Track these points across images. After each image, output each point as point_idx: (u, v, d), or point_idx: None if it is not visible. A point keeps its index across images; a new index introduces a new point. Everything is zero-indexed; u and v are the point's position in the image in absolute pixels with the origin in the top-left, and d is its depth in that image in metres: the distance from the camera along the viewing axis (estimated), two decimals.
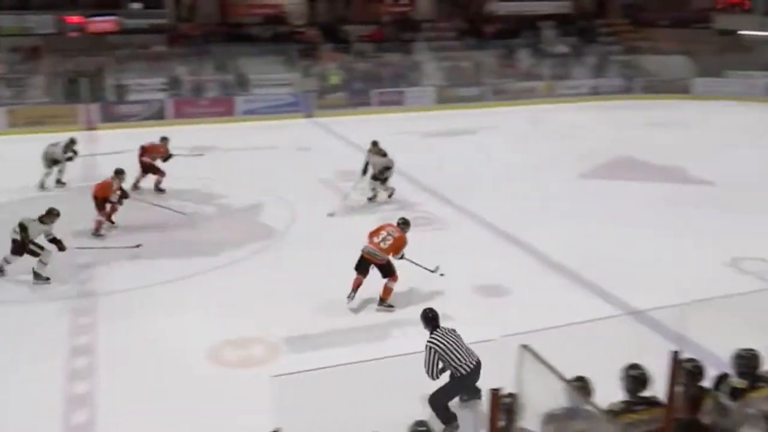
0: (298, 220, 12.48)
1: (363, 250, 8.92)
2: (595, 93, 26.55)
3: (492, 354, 3.64)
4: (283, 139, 19.38)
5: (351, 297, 8.90)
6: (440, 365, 6.13)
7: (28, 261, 9.62)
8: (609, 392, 4.89)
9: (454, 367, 6.07)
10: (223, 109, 22.88)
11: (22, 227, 9.55)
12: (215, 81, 23.90)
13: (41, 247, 9.67)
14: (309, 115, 23.11)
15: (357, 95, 24.31)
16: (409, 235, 9.19)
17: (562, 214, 12.66)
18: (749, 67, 26.82)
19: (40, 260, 9.63)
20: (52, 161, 14.15)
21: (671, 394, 3.78)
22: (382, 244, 8.88)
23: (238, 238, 11.53)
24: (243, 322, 8.49)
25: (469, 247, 11.24)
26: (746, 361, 5.05)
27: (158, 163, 14.05)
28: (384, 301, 8.96)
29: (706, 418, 4.74)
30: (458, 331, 6.35)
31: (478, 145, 18.92)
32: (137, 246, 10.90)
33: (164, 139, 14.41)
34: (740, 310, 6.55)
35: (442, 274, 9.32)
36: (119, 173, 11.88)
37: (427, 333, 6.40)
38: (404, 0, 30.12)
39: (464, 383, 6.15)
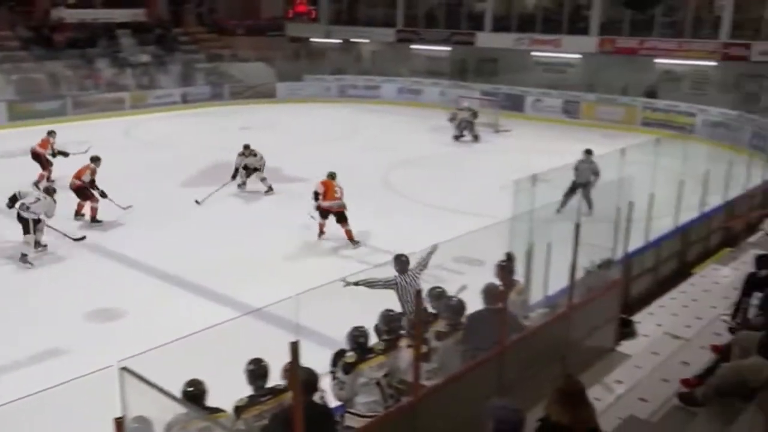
0: None
1: (335, 205, 11.50)
2: (186, 101, 26.50)
3: (111, 382, 3.31)
4: None
5: (321, 237, 11.76)
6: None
7: None
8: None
9: (403, 306, 7.12)
10: None
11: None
12: None
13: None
14: None
15: None
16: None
17: (161, 224, 12.46)
18: (322, 71, 29.50)
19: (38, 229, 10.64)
20: None
21: (294, 380, 3.94)
22: (342, 197, 11.54)
23: None
24: None
25: (74, 271, 10.43)
26: (355, 337, 5.45)
27: None
28: (353, 240, 11.50)
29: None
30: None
31: (68, 163, 17.33)
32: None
33: None
34: (346, 291, 7.11)
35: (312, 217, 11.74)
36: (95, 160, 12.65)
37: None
38: None
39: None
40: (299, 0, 33.72)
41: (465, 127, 20.84)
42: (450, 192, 14.86)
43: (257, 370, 4.97)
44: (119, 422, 3.22)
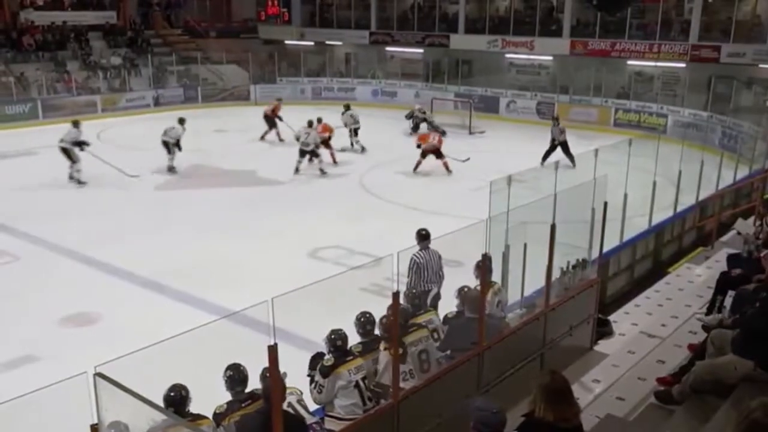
0: None
1: (429, 146, 16.34)
2: (158, 104, 26.22)
3: (87, 388, 3.24)
4: None
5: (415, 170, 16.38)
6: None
7: None
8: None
9: (417, 284, 7.18)
10: None
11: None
12: None
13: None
14: None
15: None
16: None
17: (141, 229, 12.32)
18: (297, 73, 29.33)
19: (320, 160, 16.34)
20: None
21: (275, 384, 3.90)
22: (436, 141, 16.41)
23: None
24: None
25: (45, 277, 10.25)
26: (333, 340, 5.41)
27: None
28: (448, 169, 16.34)
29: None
30: None
31: (40, 167, 17.20)
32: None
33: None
34: (323, 294, 7.03)
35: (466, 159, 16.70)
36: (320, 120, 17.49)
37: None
38: None
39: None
40: (270, 2, 33.50)
41: (422, 124, 21.93)
42: (425, 193, 14.87)
43: (236, 376, 4.90)
44: (95, 429, 3.19)
